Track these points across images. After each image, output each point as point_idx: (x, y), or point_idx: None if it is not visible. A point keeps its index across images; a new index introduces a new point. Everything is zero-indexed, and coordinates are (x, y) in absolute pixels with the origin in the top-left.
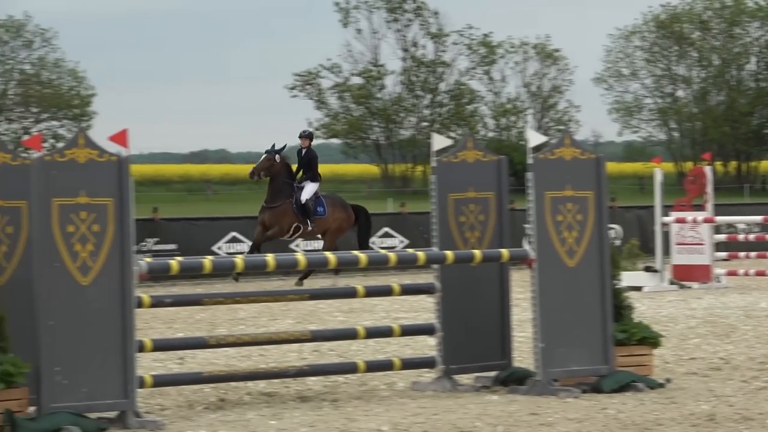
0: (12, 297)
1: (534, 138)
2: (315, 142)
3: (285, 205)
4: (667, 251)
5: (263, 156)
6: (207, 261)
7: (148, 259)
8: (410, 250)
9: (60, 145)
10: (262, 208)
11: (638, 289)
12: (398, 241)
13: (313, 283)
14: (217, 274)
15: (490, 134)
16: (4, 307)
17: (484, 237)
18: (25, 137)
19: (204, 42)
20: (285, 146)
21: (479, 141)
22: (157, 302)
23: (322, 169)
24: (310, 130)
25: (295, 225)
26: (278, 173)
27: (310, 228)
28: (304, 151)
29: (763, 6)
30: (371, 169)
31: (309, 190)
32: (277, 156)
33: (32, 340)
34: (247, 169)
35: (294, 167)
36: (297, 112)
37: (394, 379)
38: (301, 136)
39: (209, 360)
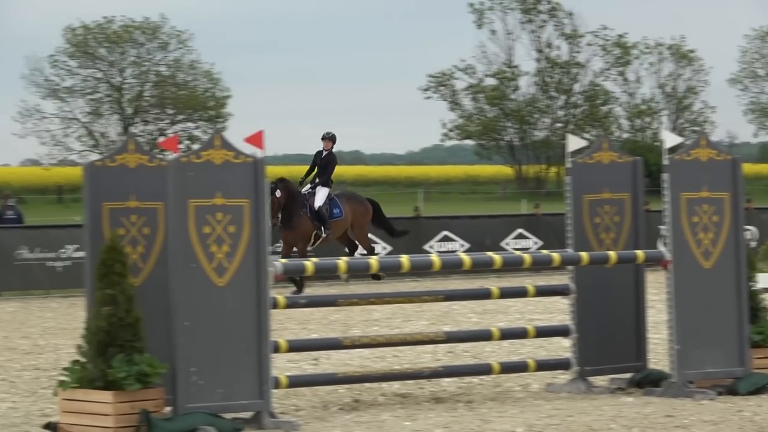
0: (148, 298)
1: (669, 139)
2: (450, 142)
3: (301, 217)
4: None
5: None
6: (342, 262)
7: (283, 261)
8: (545, 252)
9: (196, 146)
10: (280, 228)
11: None
12: (532, 242)
13: (446, 283)
14: (353, 275)
15: (625, 135)
16: (140, 308)
17: (619, 238)
18: (161, 139)
19: (338, 44)
20: (276, 185)
21: (614, 142)
22: (292, 303)
23: (456, 170)
24: (333, 132)
25: (314, 233)
26: (286, 203)
27: (324, 234)
28: (325, 153)
29: None
30: (505, 170)
31: (321, 195)
32: (277, 192)
33: (168, 340)
34: (380, 170)
35: (302, 176)
36: (430, 113)
37: (528, 381)
38: (324, 138)
39: (343, 361)
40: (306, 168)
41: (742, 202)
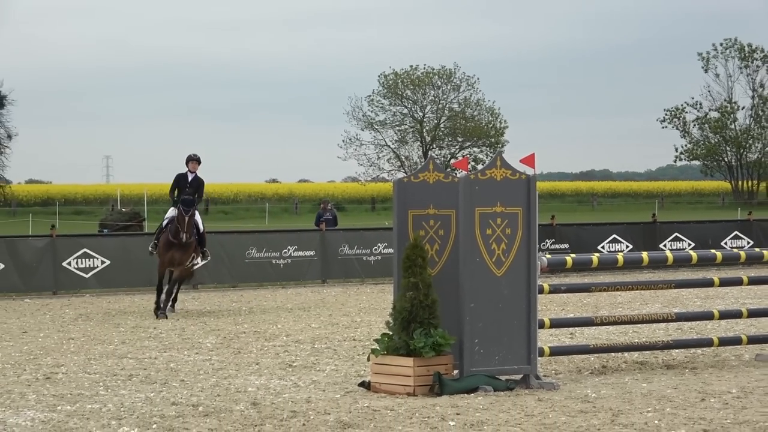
0: (442, 285)
1: None
2: (680, 163)
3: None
4: None
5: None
6: (594, 257)
7: (548, 256)
8: (757, 249)
9: (480, 167)
10: (170, 246)
11: None
12: (746, 242)
13: (677, 274)
14: (602, 268)
15: None
16: (436, 293)
17: None
18: (454, 160)
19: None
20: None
21: None
22: (554, 290)
23: (685, 185)
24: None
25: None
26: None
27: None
28: (192, 175)
29: None
30: (724, 185)
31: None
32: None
33: (456, 318)
34: (624, 185)
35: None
36: (666, 139)
37: (741, 352)
38: (191, 160)
39: (593, 335)
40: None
41: None
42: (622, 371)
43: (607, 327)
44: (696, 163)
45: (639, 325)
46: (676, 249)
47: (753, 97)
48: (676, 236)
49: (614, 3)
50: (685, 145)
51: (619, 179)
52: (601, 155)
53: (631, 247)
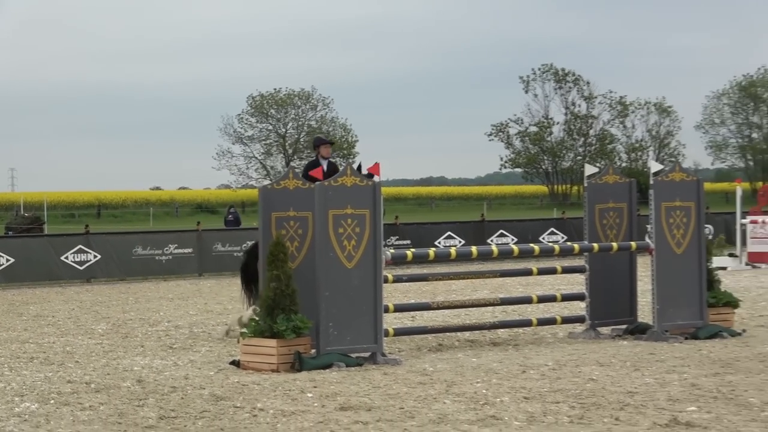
0: (301, 276)
1: (654, 166)
2: (505, 170)
3: None
4: (744, 242)
5: None
6: (431, 251)
7: (392, 251)
8: (569, 243)
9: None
10: None
11: (724, 268)
12: (561, 237)
13: (502, 265)
14: (438, 260)
15: (624, 165)
16: (296, 283)
17: (620, 233)
18: (370, 166)
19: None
20: None
21: (617, 169)
22: (397, 279)
23: (509, 189)
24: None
25: None
26: None
27: None
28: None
29: None
30: (542, 188)
31: None
32: None
33: (314, 305)
34: (458, 189)
35: None
36: (492, 151)
37: (556, 331)
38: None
39: (431, 318)
40: None
41: (704, 209)
42: (455, 348)
43: (443, 311)
44: (518, 170)
45: (470, 309)
46: (501, 243)
47: (566, 114)
48: (502, 233)
49: (448, 36)
50: (509, 155)
51: (453, 184)
52: (438, 164)
53: (463, 242)
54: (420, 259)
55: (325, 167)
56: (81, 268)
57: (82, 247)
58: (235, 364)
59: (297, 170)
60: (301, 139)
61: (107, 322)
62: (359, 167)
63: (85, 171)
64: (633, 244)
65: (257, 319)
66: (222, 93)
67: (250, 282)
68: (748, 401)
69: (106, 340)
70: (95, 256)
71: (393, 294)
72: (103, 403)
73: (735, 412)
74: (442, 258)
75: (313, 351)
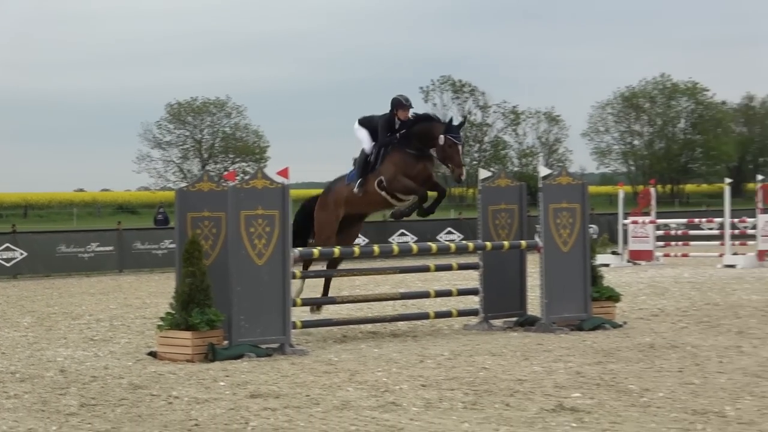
0: (215, 272)
1: (543, 171)
2: None
3: None
4: (625, 241)
5: None
6: (336, 249)
7: (300, 249)
8: (464, 242)
9: (246, 177)
10: None
11: (607, 265)
12: (457, 236)
13: (402, 262)
14: (343, 258)
15: (515, 169)
16: (210, 279)
17: (511, 233)
18: (225, 173)
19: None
20: None
21: (508, 173)
22: (305, 276)
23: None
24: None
25: None
26: None
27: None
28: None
29: (689, 87)
30: None
31: None
32: None
33: (226, 299)
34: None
35: None
36: None
37: (452, 323)
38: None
39: (336, 311)
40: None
41: (588, 210)
42: (358, 339)
43: (347, 305)
44: None
45: (372, 303)
46: (402, 242)
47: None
48: (403, 232)
49: (355, 49)
50: None
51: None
52: (346, 169)
53: (367, 241)
54: (326, 257)
55: (397, 126)
56: (8, 265)
57: (9, 246)
58: (153, 355)
59: (212, 173)
60: (216, 145)
61: (32, 316)
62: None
63: (13, 174)
64: (523, 242)
65: (174, 312)
66: (142, 101)
67: (301, 241)
68: (627, 388)
69: (30, 333)
70: (21, 254)
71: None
72: (28, 392)
73: (616, 398)
74: (347, 255)
75: (226, 342)
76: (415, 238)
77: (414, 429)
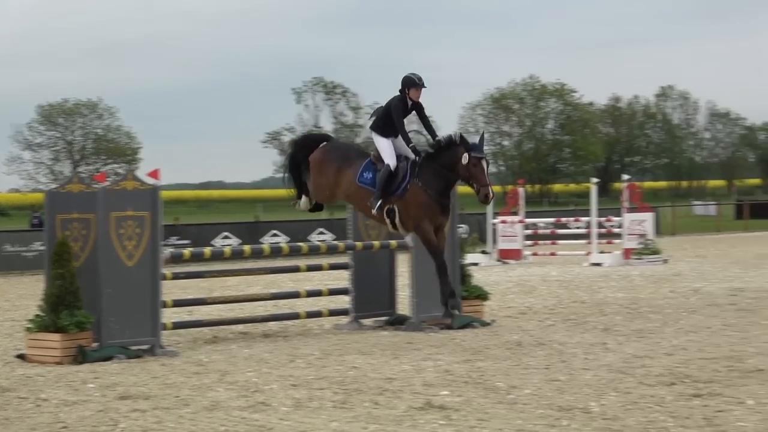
0: (85, 274)
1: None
2: (279, 175)
3: None
4: (495, 241)
5: None
6: (207, 250)
7: (171, 250)
8: (335, 242)
9: (116, 179)
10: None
11: (476, 264)
12: (329, 236)
13: (274, 262)
14: (215, 258)
15: None
16: (79, 281)
17: (381, 233)
18: (96, 174)
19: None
20: None
21: None
22: (176, 276)
23: (283, 192)
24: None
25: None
26: None
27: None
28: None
29: (558, 88)
30: None
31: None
32: None
33: (96, 301)
34: (236, 192)
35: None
36: (267, 156)
37: (323, 323)
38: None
39: (208, 312)
40: None
41: (457, 209)
42: (229, 340)
43: (219, 305)
44: None
45: (243, 304)
46: (273, 243)
47: (335, 123)
48: (275, 233)
49: (225, 50)
50: (282, 160)
51: (231, 188)
52: (217, 169)
53: (240, 241)
54: (197, 258)
55: (409, 106)
56: None
57: None
58: (21, 357)
59: (83, 175)
60: (88, 146)
61: None
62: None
63: None
64: (393, 242)
65: (43, 314)
66: (12, 102)
67: (296, 171)
68: (495, 385)
69: None
70: None
71: (172, 290)
72: None
73: (483, 396)
74: (218, 256)
75: (96, 344)
76: (288, 239)
77: (283, 429)
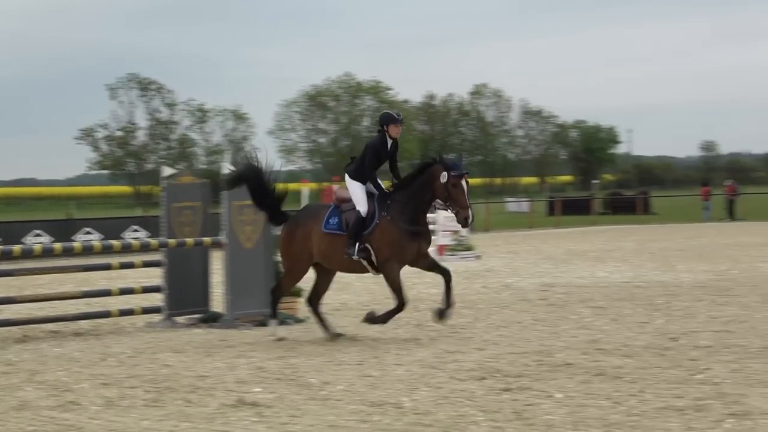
0: None
1: (167, 172)
2: (93, 171)
3: None
4: None
5: None
6: (17, 248)
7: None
8: (148, 240)
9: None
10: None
11: None
12: (144, 234)
13: (87, 260)
14: (25, 257)
15: (203, 166)
16: None
17: (195, 230)
18: None
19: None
20: None
21: (194, 170)
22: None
23: (96, 189)
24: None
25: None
26: None
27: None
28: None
29: (373, 86)
30: (127, 189)
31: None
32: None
33: None
34: (49, 189)
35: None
36: (80, 153)
37: (136, 321)
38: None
39: (18, 311)
40: None
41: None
42: (40, 339)
43: (29, 304)
44: (105, 171)
45: (55, 302)
46: (86, 240)
47: (149, 119)
48: (88, 230)
49: (37, 43)
50: (96, 158)
51: (44, 185)
52: (29, 166)
53: (53, 239)
54: (6, 256)
55: (389, 146)
56: None
57: None
58: None
59: None
60: None
61: None
62: None
63: None
64: (207, 239)
65: None
66: None
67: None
68: (308, 381)
69: None
70: None
71: None
72: None
73: (296, 392)
74: (28, 254)
75: None
76: (103, 237)
77: (94, 428)
